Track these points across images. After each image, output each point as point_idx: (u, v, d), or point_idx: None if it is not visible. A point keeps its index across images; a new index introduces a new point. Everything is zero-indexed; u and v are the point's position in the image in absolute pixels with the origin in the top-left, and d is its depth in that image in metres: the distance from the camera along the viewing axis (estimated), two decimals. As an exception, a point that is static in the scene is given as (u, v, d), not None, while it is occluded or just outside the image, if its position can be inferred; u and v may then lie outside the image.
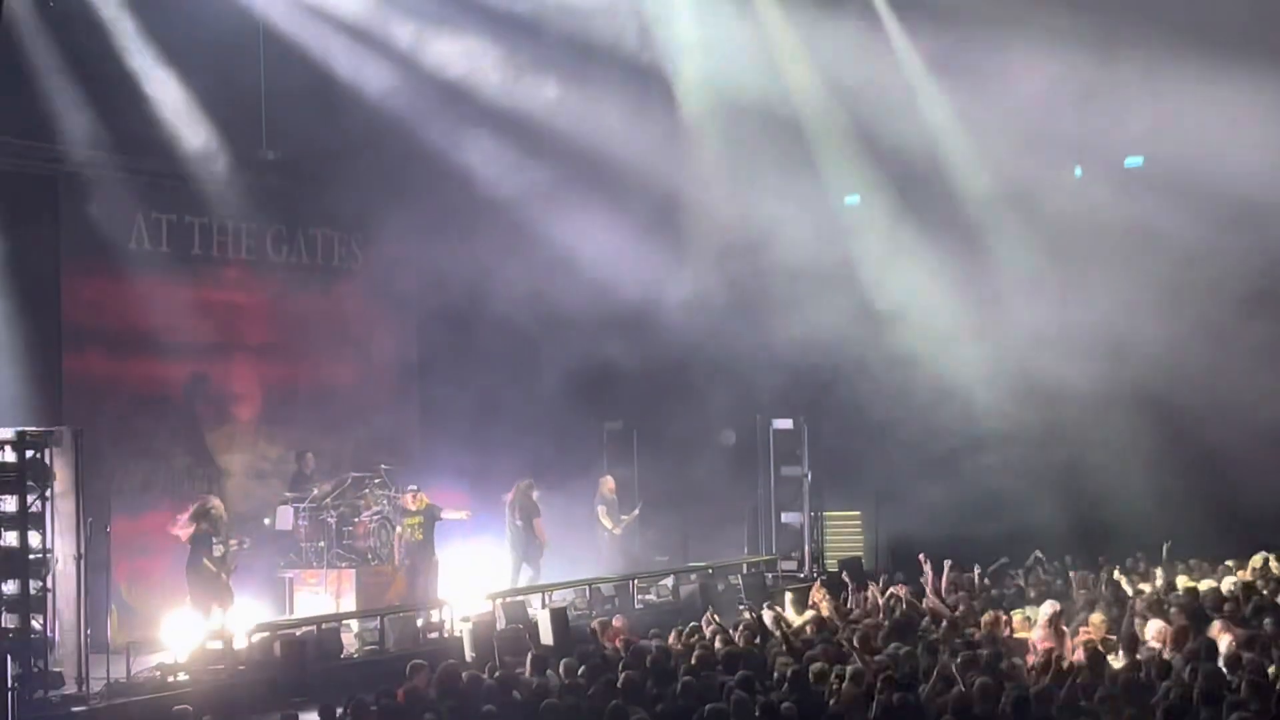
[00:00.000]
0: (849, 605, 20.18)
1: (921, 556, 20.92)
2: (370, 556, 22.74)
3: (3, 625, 17.22)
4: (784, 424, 28.76)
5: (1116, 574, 20.74)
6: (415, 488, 22.98)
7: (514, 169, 25.89)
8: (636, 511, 26.81)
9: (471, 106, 25.14)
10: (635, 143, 26.12)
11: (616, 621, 18.93)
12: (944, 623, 17.42)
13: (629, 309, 25.99)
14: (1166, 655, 15.12)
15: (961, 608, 18.60)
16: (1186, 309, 24.49)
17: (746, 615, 19.27)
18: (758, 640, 16.91)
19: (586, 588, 23.56)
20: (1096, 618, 17.29)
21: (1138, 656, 15.13)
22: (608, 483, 26.68)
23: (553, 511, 25.38)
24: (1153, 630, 16.21)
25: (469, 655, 18.63)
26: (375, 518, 22.93)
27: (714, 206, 27.26)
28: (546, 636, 19.10)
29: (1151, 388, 25.08)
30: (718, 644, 16.60)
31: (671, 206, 27.26)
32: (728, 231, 27.06)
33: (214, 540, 19.91)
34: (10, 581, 17.34)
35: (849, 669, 14.41)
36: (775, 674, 14.64)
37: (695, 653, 16.02)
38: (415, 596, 22.21)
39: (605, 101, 26.14)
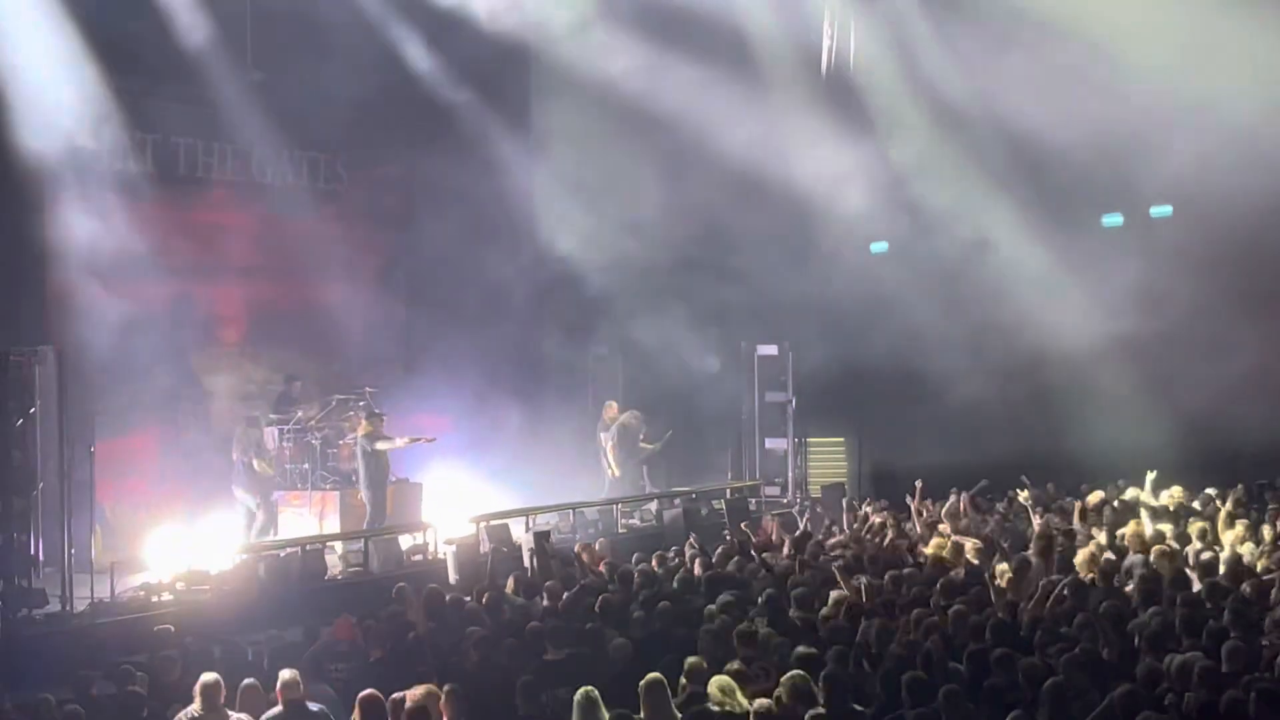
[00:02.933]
0: (831, 530, 20.31)
1: (918, 484, 21.06)
2: (355, 478, 22.71)
3: (-13, 543, 17.24)
4: (769, 350, 28.76)
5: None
6: (380, 411, 22.93)
7: (501, 93, 25.82)
8: (668, 434, 26.62)
9: (459, 30, 24.99)
10: (615, 63, 26.04)
11: (599, 545, 18.97)
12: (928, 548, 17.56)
13: (616, 234, 25.93)
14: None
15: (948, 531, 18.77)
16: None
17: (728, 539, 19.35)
18: (739, 564, 16.97)
19: (570, 511, 23.57)
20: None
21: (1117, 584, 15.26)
22: (610, 409, 26.57)
23: (539, 436, 25.50)
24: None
25: (453, 578, 18.69)
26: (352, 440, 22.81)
27: (705, 132, 27.09)
28: (529, 560, 19.15)
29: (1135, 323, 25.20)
30: (697, 569, 16.68)
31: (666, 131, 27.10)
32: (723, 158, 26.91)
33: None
34: (-6, 500, 17.33)
35: (833, 594, 14.47)
36: (759, 600, 14.67)
37: (677, 576, 16.11)
38: (376, 520, 22.12)
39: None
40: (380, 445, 21.99)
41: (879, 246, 28.30)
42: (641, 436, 25.91)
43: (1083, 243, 26.16)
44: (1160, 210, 26.72)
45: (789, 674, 11.19)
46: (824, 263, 27.20)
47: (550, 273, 26.59)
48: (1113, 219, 27.21)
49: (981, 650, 12.01)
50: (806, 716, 10.58)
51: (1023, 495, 20.91)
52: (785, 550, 17.88)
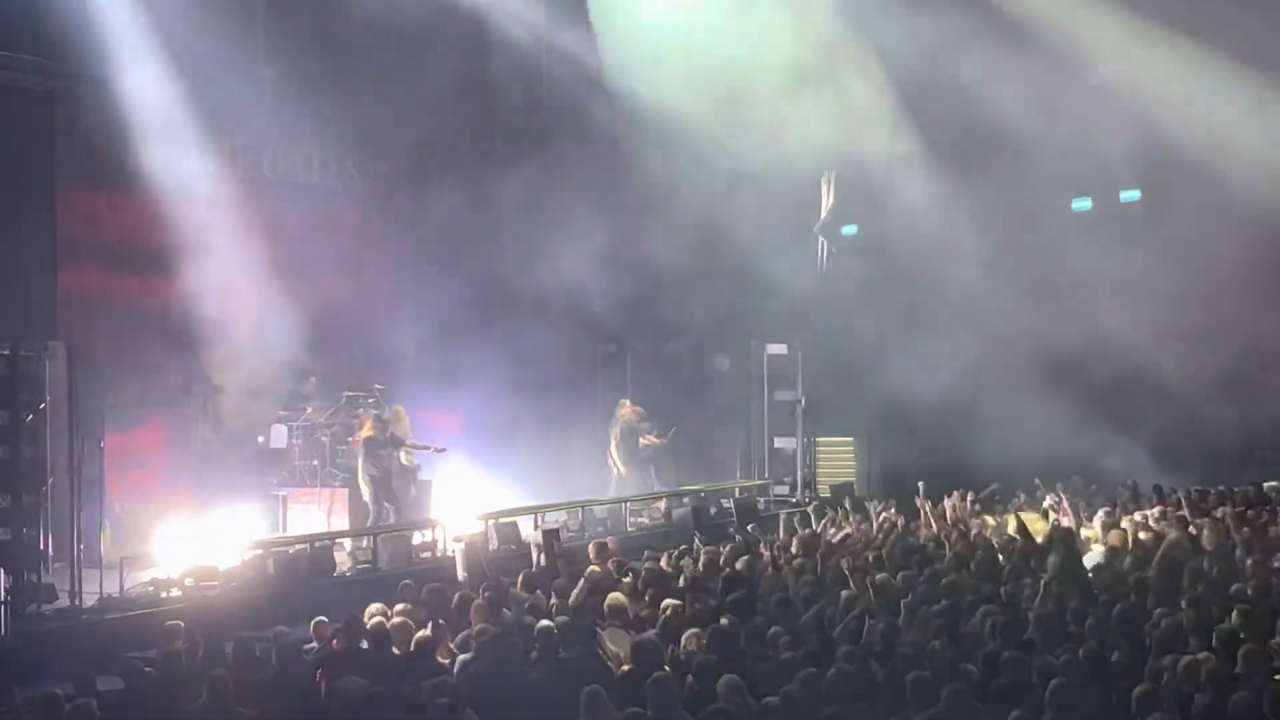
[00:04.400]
0: (834, 530, 20.27)
1: (921, 485, 21.05)
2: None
3: (-4, 538, 17.24)
4: (778, 349, 28.75)
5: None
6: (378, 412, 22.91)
7: (513, 90, 25.82)
8: (674, 431, 26.78)
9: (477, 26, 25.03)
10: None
11: (609, 543, 18.95)
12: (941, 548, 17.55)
13: (622, 233, 25.94)
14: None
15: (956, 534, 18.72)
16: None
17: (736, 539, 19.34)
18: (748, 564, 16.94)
19: (579, 509, 23.57)
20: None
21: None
22: (624, 407, 26.65)
23: (549, 434, 25.49)
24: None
25: (461, 575, 18.67)
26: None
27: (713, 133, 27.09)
28: (538, 558, 19.14)
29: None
30: (701, 566, 16.67)
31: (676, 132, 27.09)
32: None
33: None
34: (3, 494, 17.31)
35: (843, 594, 14.43)
36: (771, 599, 14.64)
37: (685, 575, 16.09)
38: (382, 518, 22.12)
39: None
40: (373, 469, 22.05)
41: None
42: (643, 435, 25.94)
43: (1085, 237, 26.20)
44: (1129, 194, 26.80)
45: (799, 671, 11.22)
46: (832, 260, 27.20)
47: (560, 271, 26.56)
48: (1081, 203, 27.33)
49: (992, 651, 12.00)
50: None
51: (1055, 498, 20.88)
52: (794, 549, 17.87)
